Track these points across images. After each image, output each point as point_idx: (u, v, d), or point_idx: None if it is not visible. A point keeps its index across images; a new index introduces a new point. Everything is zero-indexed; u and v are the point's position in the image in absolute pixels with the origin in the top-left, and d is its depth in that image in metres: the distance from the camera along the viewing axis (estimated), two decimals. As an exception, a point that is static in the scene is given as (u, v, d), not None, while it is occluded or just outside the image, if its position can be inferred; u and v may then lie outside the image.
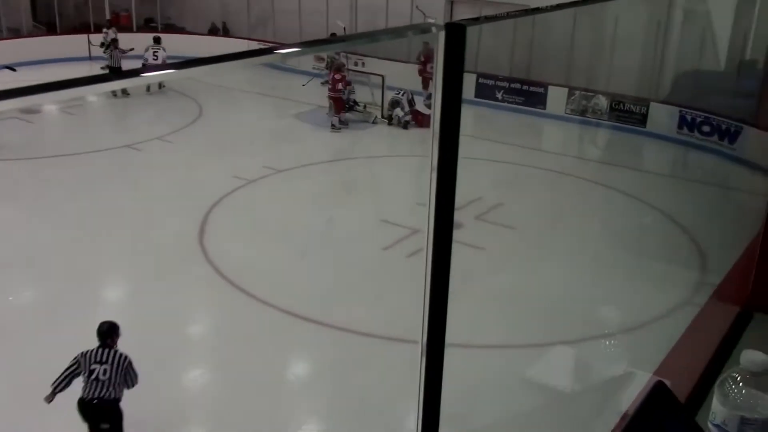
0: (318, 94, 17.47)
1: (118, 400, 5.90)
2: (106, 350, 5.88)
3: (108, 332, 5.95)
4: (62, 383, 5.85)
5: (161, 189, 12.39)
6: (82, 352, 5.87)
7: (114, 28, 20.62)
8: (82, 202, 11.48)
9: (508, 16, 2.04)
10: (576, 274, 9.45)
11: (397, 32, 1.33)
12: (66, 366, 5.86)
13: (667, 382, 2.41)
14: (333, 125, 15.82)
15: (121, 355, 5.91)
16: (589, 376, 7.18)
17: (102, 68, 19.31)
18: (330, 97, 16.08)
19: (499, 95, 18.03)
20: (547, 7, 2.30)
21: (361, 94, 16.81)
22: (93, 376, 5.81)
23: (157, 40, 18.78)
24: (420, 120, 16.09)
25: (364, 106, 16.68)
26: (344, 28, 19.71)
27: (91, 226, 10.60)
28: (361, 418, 6.81)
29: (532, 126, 17.39)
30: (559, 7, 2.36)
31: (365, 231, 11.04)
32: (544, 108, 17.59)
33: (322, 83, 18.00)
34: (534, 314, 8.49)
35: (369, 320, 8.24)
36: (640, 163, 15.55)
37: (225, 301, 8.66)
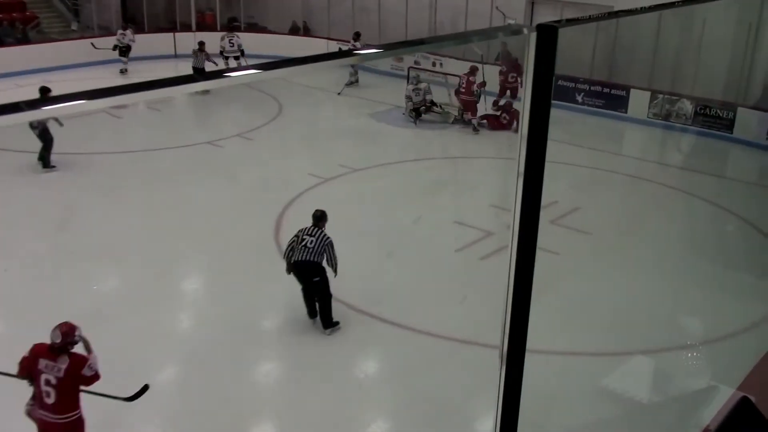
0: (393, 94, 17.53)
1: (319, 263, 7.92)
2: (316, 229, 8.02)
3: (320, 217, 8.13)
4: (287, 253, 8.11)
5: (240, 185, 12.65)
6: (301, 228, 8.12)
7: (131, 29, 20.97)
8: (163, 196, 11.83)
9: (591, 19, 2.00)
10: (655, 282, 9.21)
11: (487, 33, 1.33)
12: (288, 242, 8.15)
13: (752, 398, 2.33)
14: (474, 128, 15.75)
15: (325, 235, 8.01)
16: (669, 388, 6.98)
17: (121, 71, 19.85)
18: (463, 101, 15.94)
19: (579, 98, 17.70)
20: (635, 9, 2.25)
21: (439, 95, 16.78)
22: (302, 244, 7.94)
23: (232, 29, 19.39)
24: (492, 122, 15.97)
25: (441, 107, 16.64)
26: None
27: (170, 219, 10.91)
28: (432, 421, 6.80)
29: (612, 130, 17.01)
30: (645, 10, 2.31)
31: (438, 232, 11.01)
32: (626, 111, 17.18)
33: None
34: (610, 322, 8.31)
35: (440, 322, 8.22)
36: (726, 170, 15.02)
37: (297, 298, 8.77)
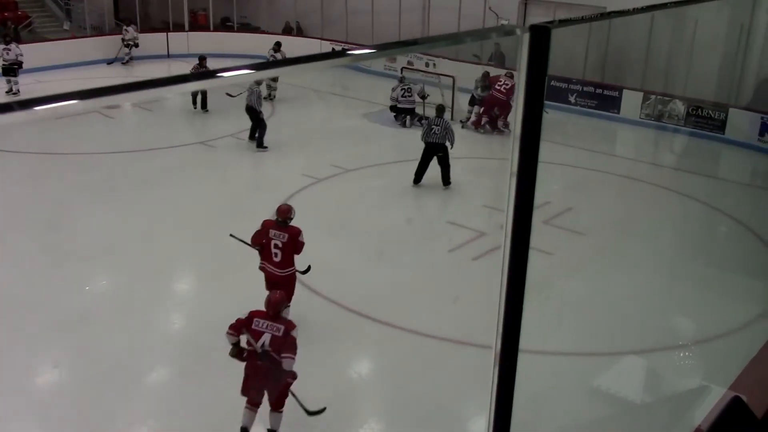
0: (386, 95, 17.51)
1: (442, 143, 12.22)
2: (439, 119, 12.39)
3: (441, 109, 12.90)
4: (423, 136, 12.43)
5: (233, 185, 12.64)
6: (430, 119, 12.77)
7: (134, 26, 21.09)
8: (156, 197, 11.80)
9: (584, 19, 2.01)
10: (647, 282, 9.24)
11: (480, 34, 1.33)
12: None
13: (744, 398, 2.34)
14: (501, 130, 15.62)
15: (446, 122, 12.47)
16: (661, 388, 7.00)
17: (123, 63, 19.89)
18: (501, 103, 15.52)
19: (571, 98, 17.75)
20: (628, 10, 2.26)
21: (432, 96, 16.78)
22: (432, 131, 12.22)
23: (278, 45, 18.42)
24: (476, 123, 15.98)
25: (423, 120, 16.58)
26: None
27: (163, 219, 10.89)
28: (424, 421, 6.80)
29: (605, 130, 17.05)
30: (638, 11, 2.32)
31: (431, 232, 11.02)
32: (618, 112, 17.23)
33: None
34: (603, 322, 8.33)
35: (433, 322, 8.22)
36: (717, 170, 15.08)
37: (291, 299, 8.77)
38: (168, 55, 21.99)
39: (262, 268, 7.91)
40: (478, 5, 19.25)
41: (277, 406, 6.25)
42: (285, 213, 7.81)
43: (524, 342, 1.86)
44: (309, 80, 19.02)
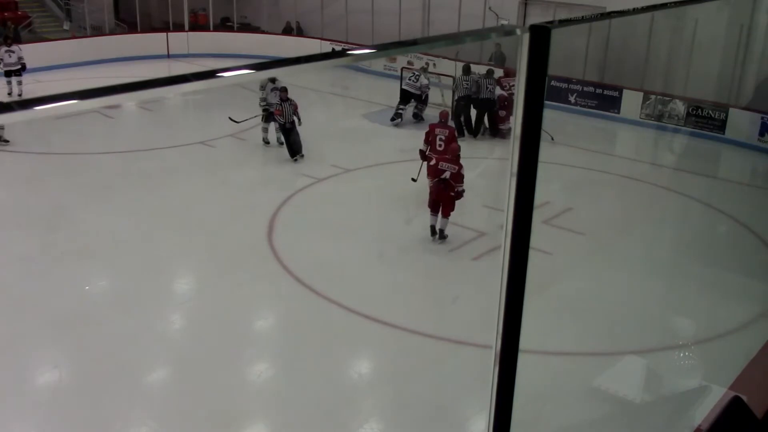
0: (386, 95, 17.53)
1: (478, 97, 14.88)
2: (466, 76, 15.05)
3: (468, 69, 15.11)
4: (452, 93, 15.47)
5: (233, 185, 12.63)
6: (458, 77, 15.32)
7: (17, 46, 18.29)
8: (156, 197, 11.80)
9: (584, 19, 2.01)
10: (647, 282, 9.23)
11: (480, 34, 1.33)
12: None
13: (744, 397, 2.34)
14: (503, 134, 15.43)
15: (473, 78, 15.02)
16: (660, 388, 7.00)
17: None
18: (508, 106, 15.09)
19: (571, 98, 17.75)
20: (627, 10, 2.26)
21: (432, 96, 16.78)
22: (463, 86, 14.95)
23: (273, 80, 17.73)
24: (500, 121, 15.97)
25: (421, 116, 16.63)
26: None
27: (162, 219, 10.88)
28: (425, 421, 6.80)
29: (605, 130, 17.05)
30: (638, 11, 2.32)
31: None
32: (618, 112, 17.23)
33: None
34: (602, 322, 8.33)
35: (433, 322, 8.22)
36: (717, 170, 15.08)
37: (291, 299, 8.77)
38: (168, 55, 21.99)
39: (428, 157, 11.01)
40: (478, 5, 19.25)
41: (445, 214, 10.09)
42: (446, 116, 12.21)
43: (524, 342, 1.86)
44: (309, 80, 19.02)
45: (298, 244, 10.17)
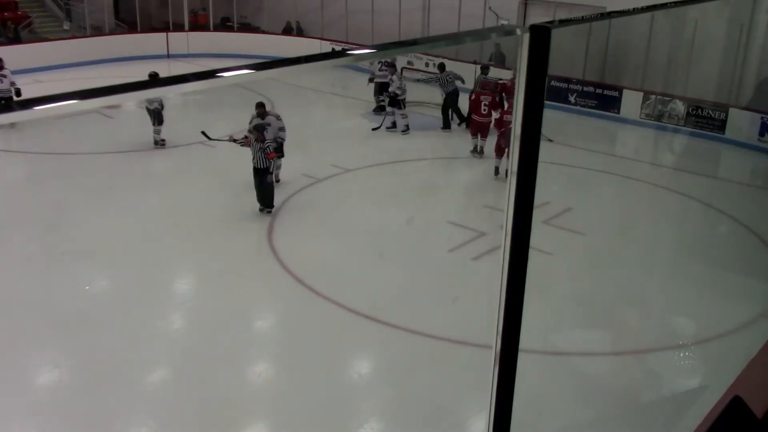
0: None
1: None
2: (443, 73, 16.06)
3: (443, 66, 15.93)
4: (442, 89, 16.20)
5: (232, 185, 12.62)
6: (447, 72, 16.00)
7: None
8: (156, 197, 11.81)
9: (584, 19, 2.01)
10: (647, 282, 9.24)
11: (480, 34, 1.33)
12: None
13: (744, 397, 2.33)
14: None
15: (448, 75, 15.88)
16: (660, 388, 7.01)
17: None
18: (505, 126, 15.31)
19: (571, 98, 17.75)
20: (628, 10, 2.26)
21: (432, 96, 16.79)
22: (448, 81, 15.83)
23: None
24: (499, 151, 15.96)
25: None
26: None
27: (162, 220, 10.89)
28: (424, 421, 6.80)
29: (605, 130, 17.06)
30: (638, 11, 2.32)
31: (431, 232, 11.01)
32: (618, 112, 17.23)
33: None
34: (602, 322, 8.33)
35: (433, 322, 8.22)
36: (717, 170, 15.08)
37: (291, 298, 8.77)
38: (168, 55, 22.00)
39: (473, 118, 13.93)
40: (478, 5, 19.25)
41: (499, 153, 12.69)
42: (493, 85, 14.60)
43: (525, 341, 1.86)
44: (309, 80, 19.02)
45: (298, 243, 10.17)
